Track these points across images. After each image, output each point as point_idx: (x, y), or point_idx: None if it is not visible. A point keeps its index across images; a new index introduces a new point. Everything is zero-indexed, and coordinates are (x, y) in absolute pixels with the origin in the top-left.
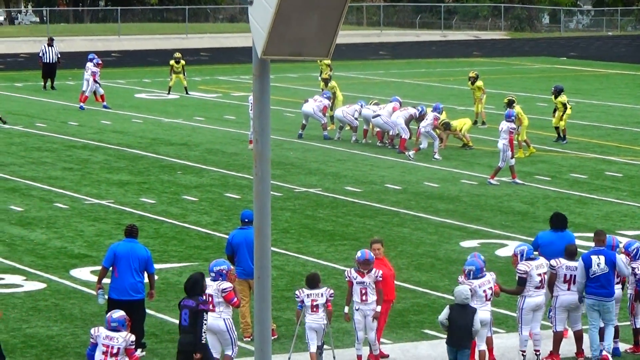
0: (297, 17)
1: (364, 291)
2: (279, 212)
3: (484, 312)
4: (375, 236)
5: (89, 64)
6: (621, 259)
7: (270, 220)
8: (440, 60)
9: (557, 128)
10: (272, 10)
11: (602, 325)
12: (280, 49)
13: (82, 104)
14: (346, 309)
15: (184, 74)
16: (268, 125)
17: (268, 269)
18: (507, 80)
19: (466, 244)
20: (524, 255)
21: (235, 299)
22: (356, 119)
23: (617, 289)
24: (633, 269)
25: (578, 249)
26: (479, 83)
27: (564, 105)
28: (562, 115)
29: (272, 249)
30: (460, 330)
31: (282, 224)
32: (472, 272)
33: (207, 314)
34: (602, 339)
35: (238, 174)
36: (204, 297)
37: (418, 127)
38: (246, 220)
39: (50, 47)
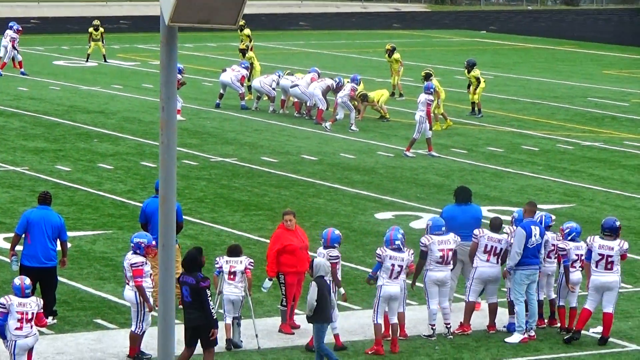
0: None
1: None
2: (195, 181)
3: (393, 287)
4: (287, 207)
5: (9, 31)
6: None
7: (175, 188)
8: (360, 32)
9: (473, 102)
10: None
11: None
12: (187, 16)
13: (0, 70)
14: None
15: (103, 42)
16: (174, 93)
17: (173, 237)
18: (426, 53)
19: (381, 215)
20: (429, 229)
21: (140, 279)
22: (274, 89)
23: (553, 263)
24: (557, 247)
25: (485, 222)
26: (396, 55)
27: (477, 79)
28: (476, 89)
29: (187, 217)
30: (329, 303)
31: (197, 193)
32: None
33: (209, 290)
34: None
35: (154, 142)
36: (202, 274)
37: (335, 98)
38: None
39: None
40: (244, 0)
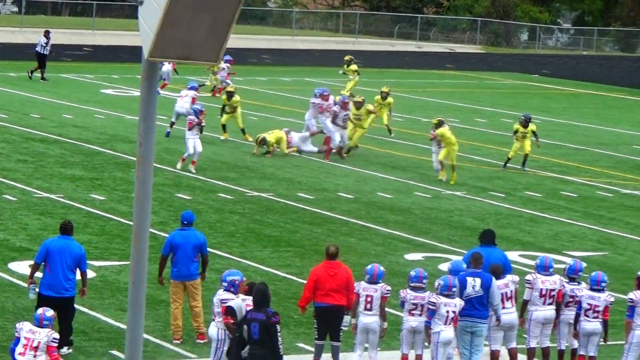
0: (186, 20)
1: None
2: (228, 215)
3: (448, 332)
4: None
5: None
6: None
7: (149, 225)
8: (412, 71)
9: (526, 155)
10: (160, 11)
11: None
12: (167, 52)
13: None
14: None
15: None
16: (153, 129)
17: (144, 274)
18: (476, 94)
19: (411, 256)
20: (439, 288)
21: None
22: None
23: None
24: (573, 291)
25: (515, 267)
26: (390, 100)
27: (534, 132)
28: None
29: (215, 251)
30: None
31: (228, 227)
32: (440, 287)
33: (279, 325)
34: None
35: (192, 175)
36: (272, 309)
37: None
38: (185, 222)
39: (47, 39)
40: (227, 36)
